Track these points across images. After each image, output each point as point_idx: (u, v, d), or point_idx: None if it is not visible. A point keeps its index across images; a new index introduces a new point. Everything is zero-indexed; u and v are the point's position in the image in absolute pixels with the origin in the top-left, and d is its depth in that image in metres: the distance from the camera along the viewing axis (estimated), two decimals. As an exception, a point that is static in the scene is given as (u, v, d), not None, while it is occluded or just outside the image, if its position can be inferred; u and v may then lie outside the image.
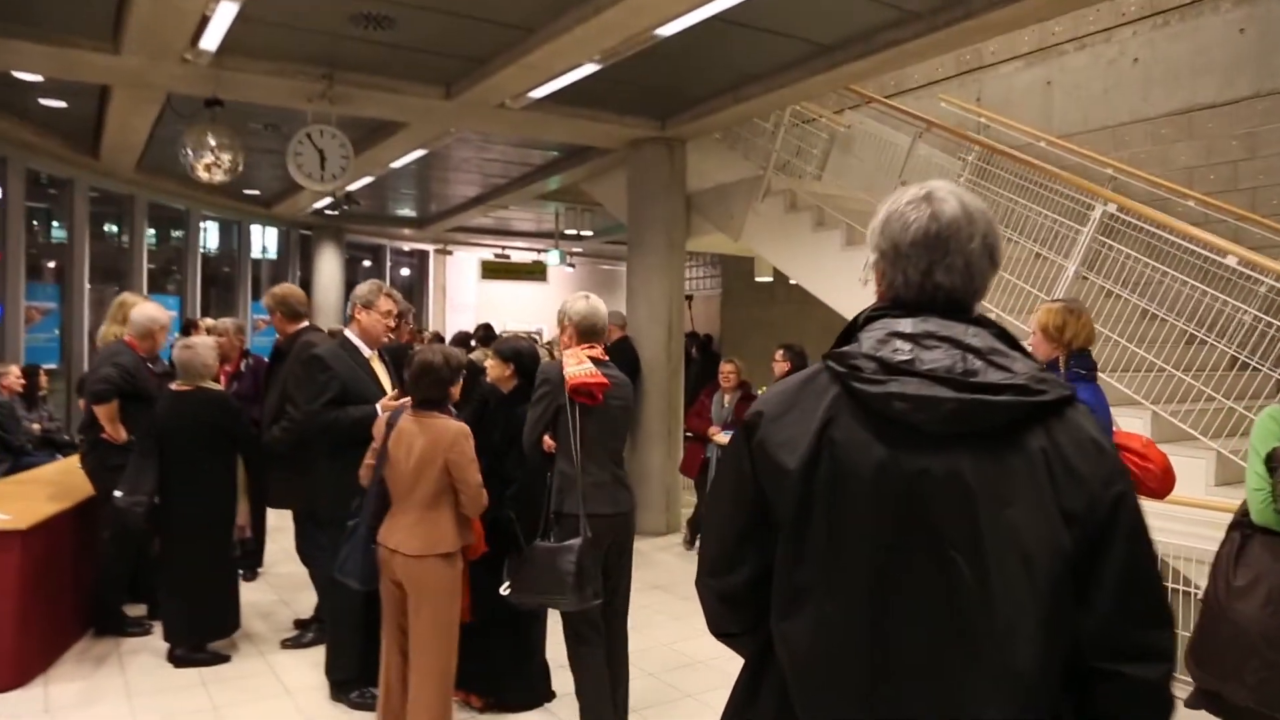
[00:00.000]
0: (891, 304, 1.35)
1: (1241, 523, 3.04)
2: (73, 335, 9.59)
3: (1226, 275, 5.27)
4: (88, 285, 9.93)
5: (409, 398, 3.43)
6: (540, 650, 4.03)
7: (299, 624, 4.91)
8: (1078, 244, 5.13)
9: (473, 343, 9.82)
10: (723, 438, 5.66)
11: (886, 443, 1.22)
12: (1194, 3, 6.72)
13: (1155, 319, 5.33)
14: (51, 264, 10.55)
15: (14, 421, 6.93)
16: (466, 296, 17.18)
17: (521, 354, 3.99)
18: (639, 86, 6.75)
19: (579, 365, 3.43)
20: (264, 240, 14.40)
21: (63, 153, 9.00)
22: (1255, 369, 4.76)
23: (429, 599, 3.27)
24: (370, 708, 3.71)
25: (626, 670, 3.72)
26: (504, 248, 16.99)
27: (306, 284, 14.48)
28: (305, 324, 4.61)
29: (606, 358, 3.61)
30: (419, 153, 8.74)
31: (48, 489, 4.80)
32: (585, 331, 3.56)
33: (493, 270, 16.68)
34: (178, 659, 4.31)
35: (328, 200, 11.62)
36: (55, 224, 10.72)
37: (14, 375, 7.13)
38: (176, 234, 12.36)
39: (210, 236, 13.48)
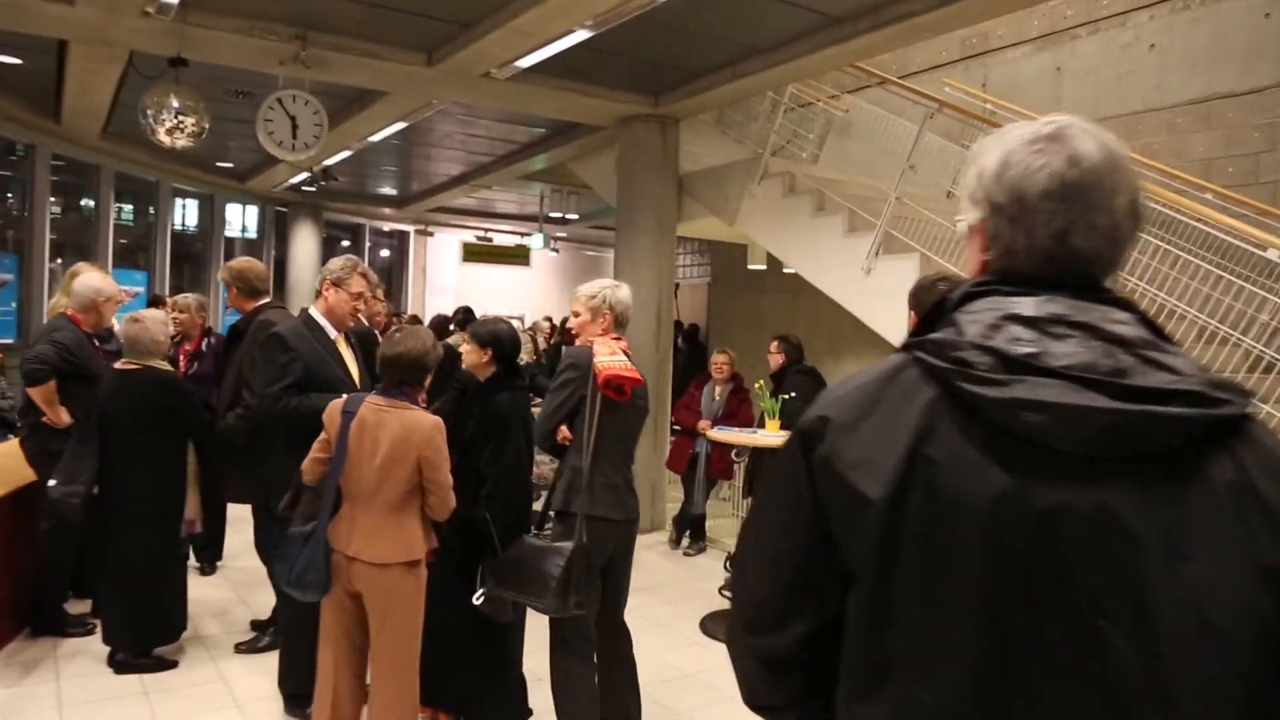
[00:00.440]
0: (1000, 277, 1.01)
1: None
2: (31, 310, 9.12)
3: (1245, 272, 5.00)
4: (48, 258, 9.45)
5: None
6: (517, 663, 3.68)
7: (255, 625, 4.54)
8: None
9: (451, 327, 9.47)
10: (716, 433, 5.32)
11: (1009, 468, 0.89)
12: (1215, -14, 6.44)
13: (1174, 316, 5.04)
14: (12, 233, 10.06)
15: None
16: (447, 279, 16.75)
17: (500, 338, 3.61)
18: (632, 59, 6.38)
19: (612, 356, 3.20)
20: (244, 219, 13.92)
21: (21, 115, 8.51)
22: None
23: (396, 610, 2.95)
24: (326, 725, 3.36)
25: (637, 693, 3.44)
26: (486, 230, 16.57)
27: (282, 263, 14.02)
28: (265, 300, 4.22)
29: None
30: (399, 126, 8.32)
31: (-17, 474, 4.40)
32: (623, 322, 3.38)
33: (474, 253, 16.25)
34: (118, 664, 3.94)
35: (304, 175, 11.19)
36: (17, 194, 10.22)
37: (-38, 350, 6.69)
38: (153, 210, 11.86)
39: (190, 214, 13.01)
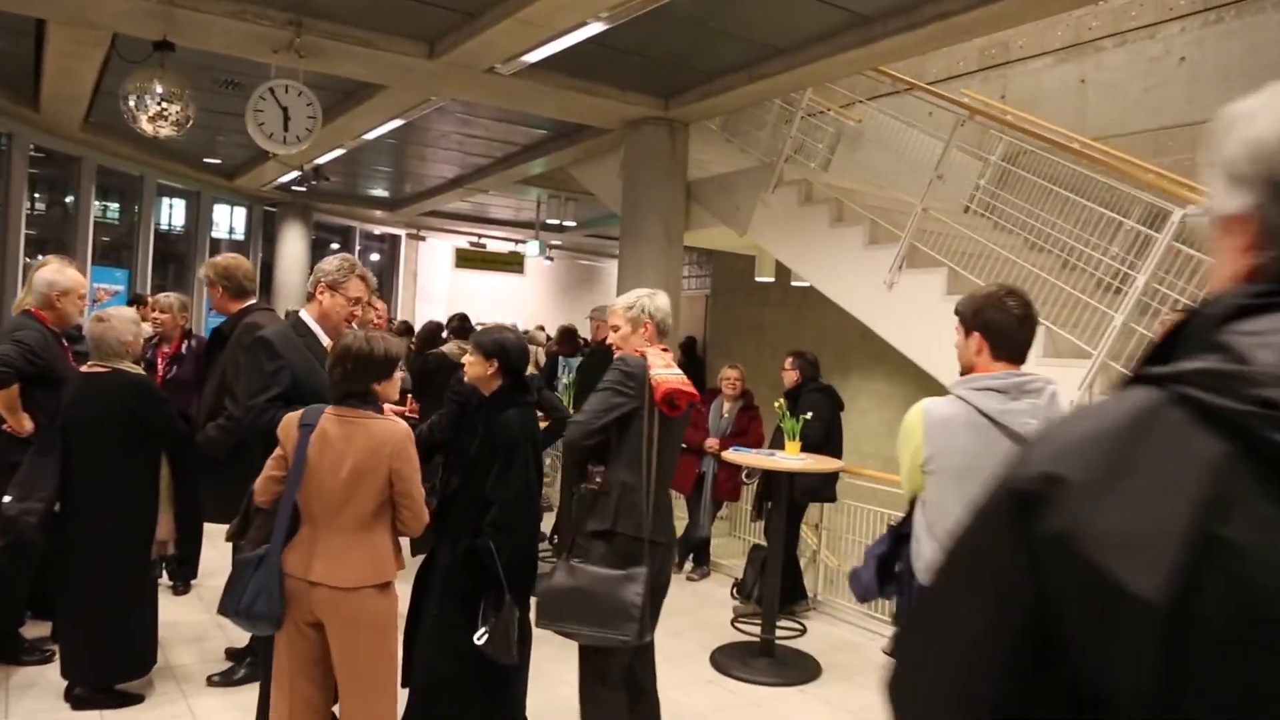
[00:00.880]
0: None
1: None
2: (4, 308, 8.71)
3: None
4: (23, 254, 9.05)
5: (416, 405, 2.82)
6: (520, 709, 3.34)
7: (231, 655, 4.17)
8: (1151, 252, 4.54)
9: (445, 334, 9.11)
10: (733, 455, 4.99)
11: None
12: (1251, -1, 6.21)
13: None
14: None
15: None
16: (438, 285, 16.40)
17: (507, 349, 3.28)
18: (643, 58, 6.08)
19: (668, 369, 3.04)
20: (231, 220, 13.55)
21: (-2, 102, 8.15)
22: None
23: (368, 638, 2.68)
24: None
25: None
26: (480, 236, 16.23)
27: (268, 265, 13.64)
28: (252, 301, 3.87)
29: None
30: (395, 123, 8.00)
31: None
32: (665, 330, 3.25)
33: (467, 259, 15.90)
34: (76, 699, 3.55)
35: (294, 174, 10.84)
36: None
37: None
38: (137, 207, 11.47)
39: (176, 215, 12.63)
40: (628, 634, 2.90)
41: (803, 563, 5.87)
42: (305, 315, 3.25)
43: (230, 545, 3.78)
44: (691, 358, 12.09)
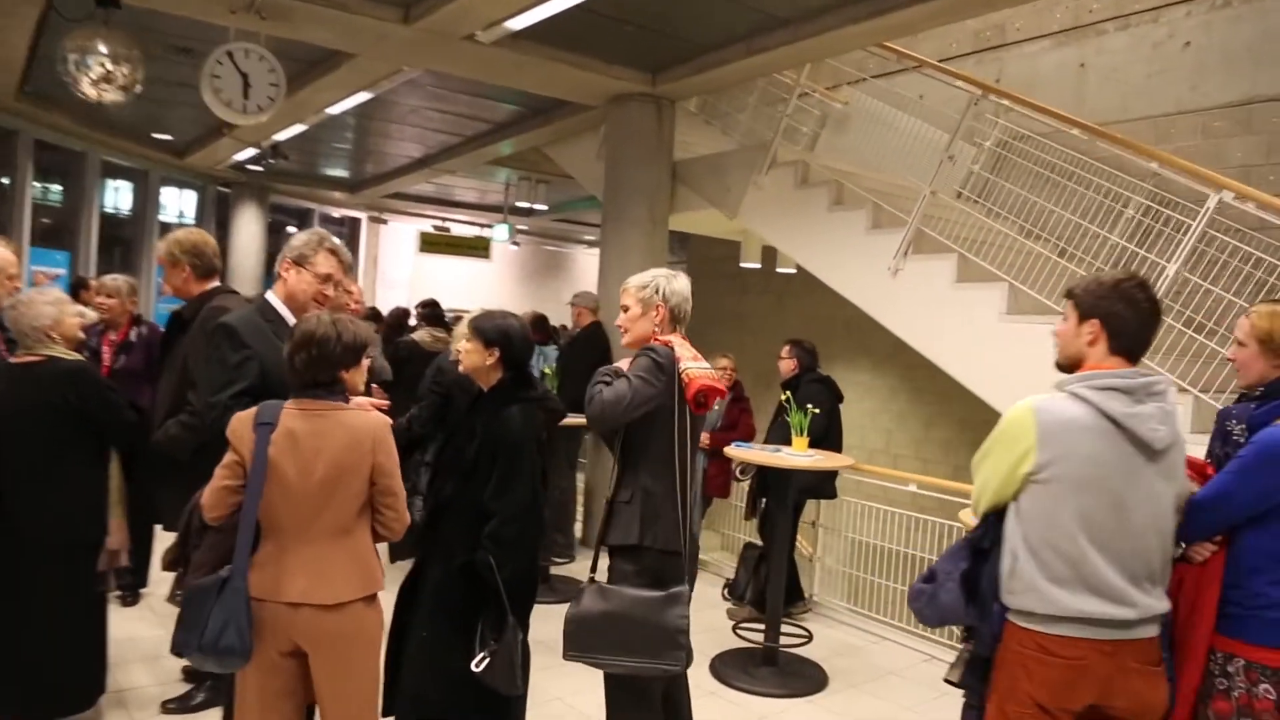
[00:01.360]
0: None
1: None
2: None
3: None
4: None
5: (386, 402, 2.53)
6: (520, 742, 2.99)
7: (189, 675, 3.76)
8: (1184, 240, 4.29)
9: (413, 321, 8.68)
10: (735, 451, 4.67)
11: None
12: (1260, -18, 6.01)
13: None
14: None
15: None
16: (400, 271, 15.84)
17: (511, 337, 2.91)
18: (633, 28, 5.71)
19: (697, 363, 2.74)
20: (181, 203, 12.86)
21: (-77, 67, 7.49)
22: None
23: (361, 657, 2.37)
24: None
25: None
26: (444, 219, 15.69)
27: (222, 250, 12.93)
28: (217, 284, 3.45)
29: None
30: (362, 96, 7.51)
31: None
32: (680, 317, 2.93)
33: (431, 244, 15.35)
34: (8, 737, 3.13)
35: (252, 152, 10.27)
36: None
37: None
38: (81, 185, 10.78)
39: (122, 198, 11.93)
40: (675, 663, 2.61)
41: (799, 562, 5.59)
42: (271, 297, 2.85)
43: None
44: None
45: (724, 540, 7.10)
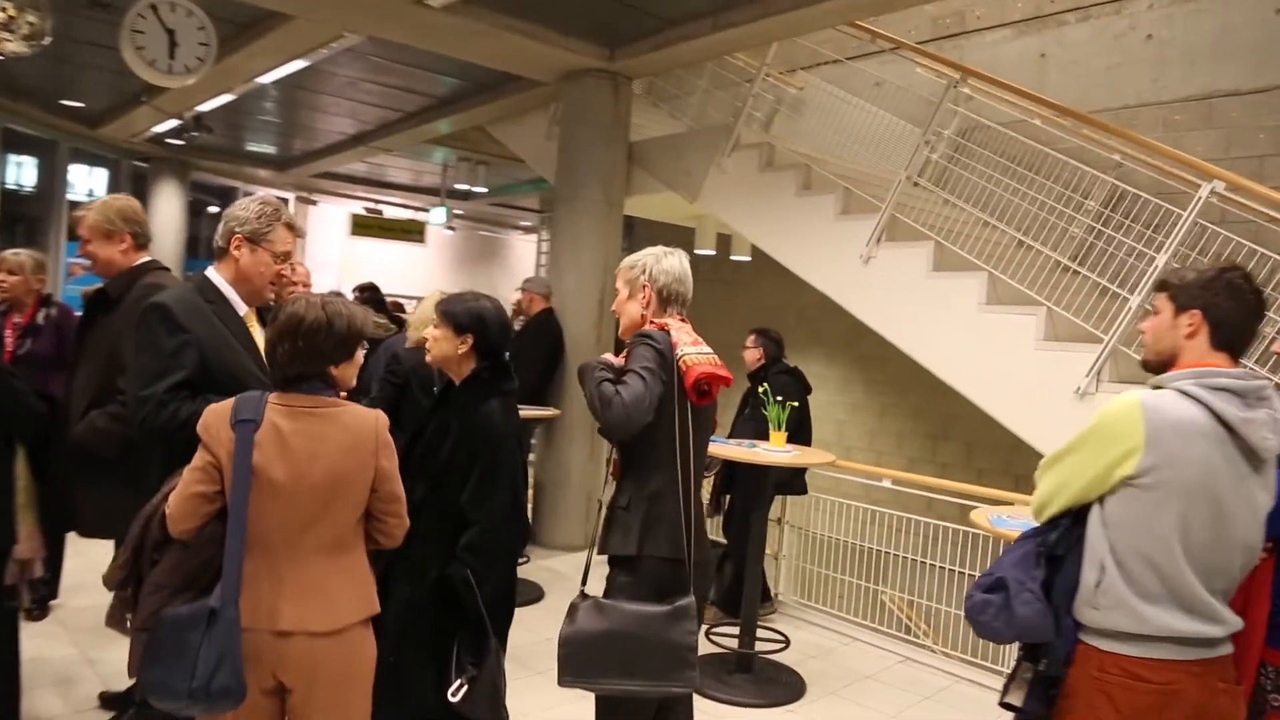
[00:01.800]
0: None
1: None
2: None
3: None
4: None
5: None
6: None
7: (108, 701, 3.36)
8: (1176, 229, 4.19)
9: (350, 306, 8.19)
10: (713, 447, 4.41)
11: None
12: (1223, -23, 6.01)
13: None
14: None
15: None
16: (329, 254, 15.16)
17: (486, 322, 2.59)
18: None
19: (697, 348, 2.46)
20: (90, 182, 12.01)
21: None
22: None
23: (357, 690, 2.08)
24: None
25: None
26: (376, 201, 15.07)
27: (138, 227, 12.17)
28: (148, 259, 3.03)
29: None
30: (296, 65, 7.02)
31: None
32: (671, 298, 2.61)
33: (363, 227, 14.72)
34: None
35: (173, 123, 9.58)
36: None
37: None
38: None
39: (26, 173, 11.06)
40: (685, 683, 2.36)
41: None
42: (214, 275, 2.47)
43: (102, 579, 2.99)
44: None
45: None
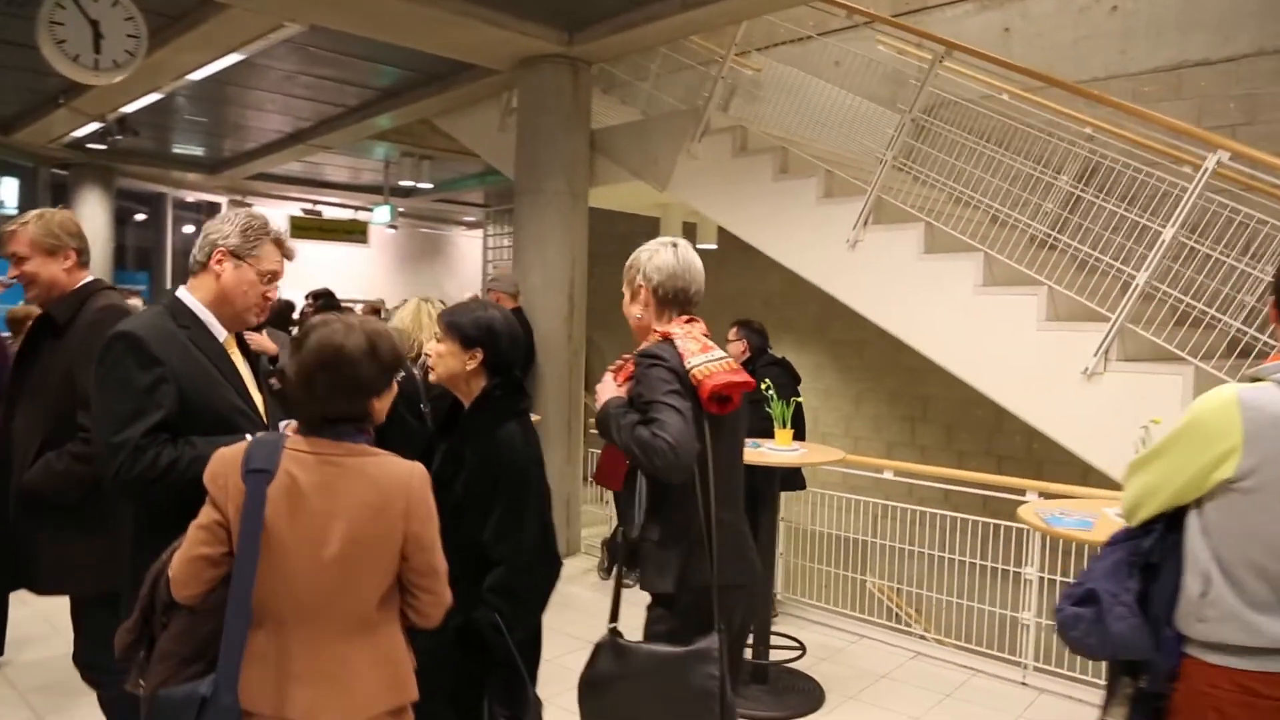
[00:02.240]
0: None
1: None
2: None
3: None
4: None
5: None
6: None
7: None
8: (1182, 202, 4.08)
9: (299, 314, 7.82)
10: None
11: None
12: (1187, -55, 5.96)
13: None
14: None
15: None
16: (267, 258, 14.55)
17: (497, 334, 2.32)
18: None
19: (706, 355, 2.18)
20: (2, 194, 11.25)
21: None
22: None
23: None
24: None
25: None
26: (314, 202, 14.50)
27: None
28: (92, 278, 2.68)
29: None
30: (231, 59, 6.57)
31: None
32: (673, 298, 2.32)
33: (303, 228, 14.14)
34: None
35: (94, 127, 8.96)
36: None
37: None
38: None
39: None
40: None
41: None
42: (187, 296, 2.15)
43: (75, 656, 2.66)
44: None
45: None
